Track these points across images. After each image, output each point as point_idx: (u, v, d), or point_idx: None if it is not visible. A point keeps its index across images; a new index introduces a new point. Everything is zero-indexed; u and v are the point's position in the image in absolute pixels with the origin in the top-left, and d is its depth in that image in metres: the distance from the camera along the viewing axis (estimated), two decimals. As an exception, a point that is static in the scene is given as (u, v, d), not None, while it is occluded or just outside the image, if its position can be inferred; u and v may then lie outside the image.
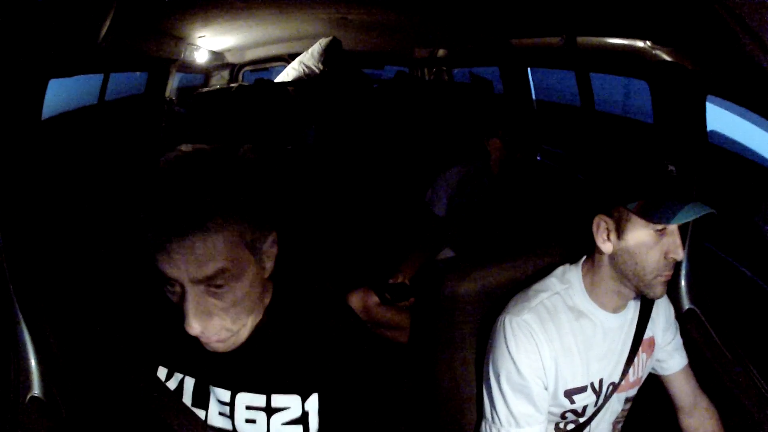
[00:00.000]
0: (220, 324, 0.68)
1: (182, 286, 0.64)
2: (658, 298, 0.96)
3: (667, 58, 1.37)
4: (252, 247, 0.68)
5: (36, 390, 0.92)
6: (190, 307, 0.65)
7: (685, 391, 1.10)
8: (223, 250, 0.64)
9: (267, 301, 0.76)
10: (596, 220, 0.95)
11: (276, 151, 2.21)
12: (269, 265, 0.72)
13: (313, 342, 0.74)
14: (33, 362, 0.92)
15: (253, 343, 0.74)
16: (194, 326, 0.65)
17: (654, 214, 0.88)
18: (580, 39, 1.76)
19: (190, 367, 0.76)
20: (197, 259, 0.63)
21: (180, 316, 0.65)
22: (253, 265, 0.68)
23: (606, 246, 0.94)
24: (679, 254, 0.90)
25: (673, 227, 0.90)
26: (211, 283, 0.65)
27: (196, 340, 0.69)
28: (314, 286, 0.81)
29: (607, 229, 0.94)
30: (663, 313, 1.08)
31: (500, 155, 1.82)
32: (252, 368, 0.74)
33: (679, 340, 1.11)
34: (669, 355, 1.09)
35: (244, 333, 0.73)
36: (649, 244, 0.90)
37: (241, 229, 0.65)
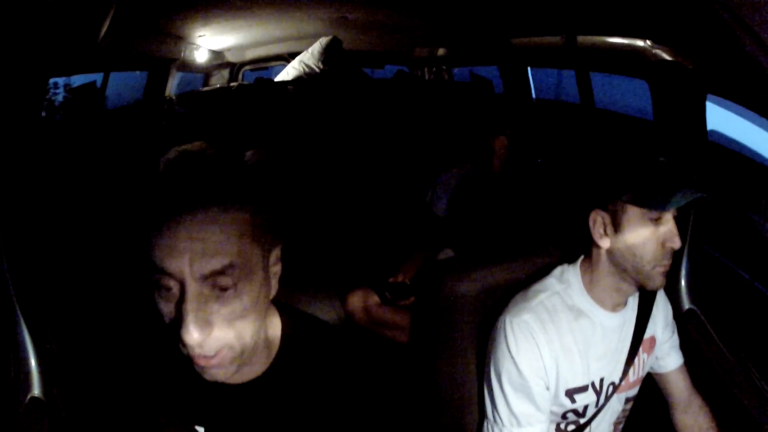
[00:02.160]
0: (221, 337, 0.59)
1: (181, 284, 0.56)
2: (658, 288, 0.96)
3: (667, 58, 1.37)
4: (261, 247, 0.62)
5: (36, 390, 0.91)
6: (190, 309, 0.56)
7: (680, 389, 1.11)
8: (233, 242, 0.57)
9: (273, 335, 0.69)
10: (592, 215, 0.95)
11: (280, 153, 2.21)
12: (274, 282, 0.65)
13: (328, 384, 0.69)
14: (33, 362, 0.92)
15: (266, 384, 0.67)
16: (192, 333, 0.55)
17: (647, 202, 0.89)
18: (580, 38, 1.76)
19: (199, 415, 0.68)
20: (204, 249, 0.56)
21: (177, 333, 0.56)
22: (261, 271, 0.62)
23: (603, 241, 0.95)
24: (676, 242, 0.90)
25: (668, 216, 0.90)
26: (217, 282, 0.57)
27: (205, 384, 0.61)
28: (321, 321, 0.76)
29: (604, 223, 0.94)
30: (662, 311, 1.09)
31: (505, 154, 1.82)
32: (266, 415, 0.67)
33: (676, 338, 1.12)
34: (666, 353, 1.10)
35: (253, 371, 0.67)
36: (645, 234, 0.90)
37: (253, 222, 0.60)
